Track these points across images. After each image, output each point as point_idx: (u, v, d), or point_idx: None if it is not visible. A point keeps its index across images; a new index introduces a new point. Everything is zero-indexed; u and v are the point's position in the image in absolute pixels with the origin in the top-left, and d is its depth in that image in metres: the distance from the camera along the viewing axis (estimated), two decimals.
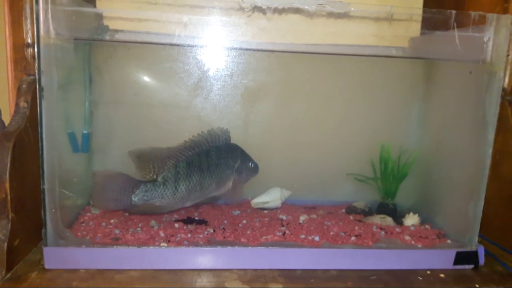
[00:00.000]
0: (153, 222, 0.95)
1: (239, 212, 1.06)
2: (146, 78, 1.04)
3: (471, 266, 0.90)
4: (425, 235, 0.97)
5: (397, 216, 1.07)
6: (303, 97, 1.12)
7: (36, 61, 0.75)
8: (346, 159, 1.15)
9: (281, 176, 1.15)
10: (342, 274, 0.85)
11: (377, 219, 1.03)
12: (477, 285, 0.84)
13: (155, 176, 0.90)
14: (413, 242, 0.93)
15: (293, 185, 1.12)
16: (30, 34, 0.87)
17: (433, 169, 1.07)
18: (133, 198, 0.88)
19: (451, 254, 0.89)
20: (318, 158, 1.16)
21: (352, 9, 0.77)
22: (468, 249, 0.90)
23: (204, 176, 0.93)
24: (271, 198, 1.10)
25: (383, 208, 1.09)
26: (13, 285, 0.76)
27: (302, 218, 1.03)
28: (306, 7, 0.77)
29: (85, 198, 1.04)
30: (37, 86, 0.76)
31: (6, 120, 0.92)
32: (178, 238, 0.88)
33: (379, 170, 1.10)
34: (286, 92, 1.11)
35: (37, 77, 0.76)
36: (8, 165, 0.79)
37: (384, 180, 1.10)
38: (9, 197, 0.79)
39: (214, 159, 0.93)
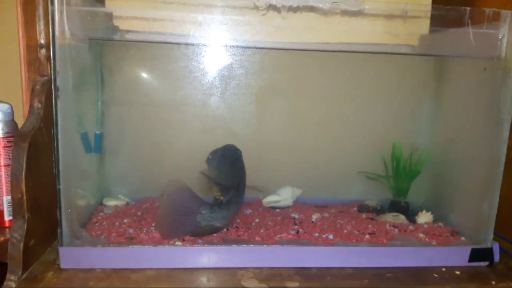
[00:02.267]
0: None
1: (251, 211, 1.06)
2: (157, 78, 1.04)
3: (486, 263, 0.90)
4: (438, 232, 0.97)
5: (409, 214, 1.07)
6: (314, 95, 1.12)
7: (52, 61, 0.75)
8: (357, 157, 1.15)
9: (292, 174, 1.15)
10: (357, 272, 0.85)
11: (390, 217, 1.03)
12: (493, 282, 0.83)
13: (221, 198, 0.90)
14: (427, 239, 0.93)
15: (303, 184, 1.12)
16: (43, 35, 0.87)
17: (446, 166, 1.07)
18: (198, 219, 0.87)
19: (466, 251, 0.89)
20: (328, 156, 1.16)
21: (367, 6, 0.77)
22: (483, 246, 0.90)
23: (243, 189, 0.94)
24: (283, 197, 1.10)
25: (395, 206, 1.09)
26: (30, 285, 0.76)
27: (314, 216, 1.03)
28: (321, 5, 0.77)
29: (97, 198, 1.04)
30: (53, 87, 0.76)
31: (19, 120, 0.93)
32: (192, 237, 0.88)
33: (390, 168, 1.10)
34: (297, 91, 1.11)
35: (52, 77, 0.76)
36: (24, 165, 0.79)
37: (396, 178, 1.09)
38: (24, 197, 0.79)
39: (243, 169, 0.95)
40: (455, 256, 0.89)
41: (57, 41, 0.75)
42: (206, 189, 0.92)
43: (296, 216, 1.03)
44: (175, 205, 0.86)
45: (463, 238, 0.95)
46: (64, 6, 0.75)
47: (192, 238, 0.87)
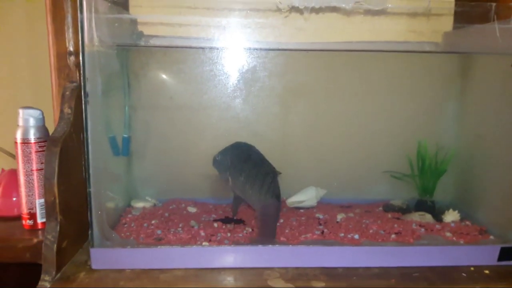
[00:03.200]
0: (193, 222, 0.96)
1: None
2: (182, 82, 1.06)
3: None
4: (466, 231, 0.96)
5: (436, 213, 1.06)
6: (338, 95, 1.12)
7: (81, 68, 0.77)
8: (381, 157, 1.14)
9: (316, 175, 1.15)
10: (384, 272, 0.85)
11: (416, 217, 1.02)
12: None
13: None
14: (454, 238, 0.92)
15: (327, 184, 1.12)
16: (72, 42, 0.90)
17: (473, 164, 1.05)
18: None
19: (495, 250, 0.87)
20: (352, 156, 1.15)
21: (389, 5, 0.77)
22: None
23: None
24: (307, 197, 1.10)
25: (421, 205, 1.08)
26: (64, 285, 0.78)
27: (339, 216, 1.03)
28: (343, 5, 0.77)
29: (126, 200, 1.07)
30: (82, 93, 0.78)
31: (50, 126, 0.95)
32: (219, 238, 0.90)
33: (416, 167, 1.09)
34: (320, 91, 1.11)
35: (82, 83, 0.78)
36: (56, 169, 0.82)
37: (421, 177, 1.09)
38: (57, 201, 0.82)
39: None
40: (484, 255, 0.88)
41: (86, 48, 0.77)
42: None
43: (321, 216, 1.03)
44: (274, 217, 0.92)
45: (491, 237, 0.93)
46: (93, 14, 0.77)
47: (218, 238, 0.89)
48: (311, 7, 0.78)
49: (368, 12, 0.85)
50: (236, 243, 0.87)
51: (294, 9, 0.80)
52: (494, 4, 0.83)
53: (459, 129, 1.12)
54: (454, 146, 1.08)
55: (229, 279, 0.81)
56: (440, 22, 1.02)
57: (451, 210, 1.03)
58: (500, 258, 0.88)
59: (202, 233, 0.91)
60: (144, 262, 0.84)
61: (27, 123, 0.93)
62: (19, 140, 0.93)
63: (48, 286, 0.79)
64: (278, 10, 0.80)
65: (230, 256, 0.85)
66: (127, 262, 0.84)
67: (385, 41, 0.96)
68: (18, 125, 0.93)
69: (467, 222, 1.01)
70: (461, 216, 1.02)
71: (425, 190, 1.09)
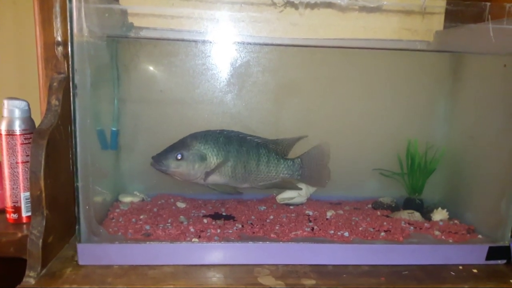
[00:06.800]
0: (182, 218, 0.95)
1: (265, 207, 1.06)
2: (172, 75, 1.04)
3: (504, 261, 0.90)
4: (454, 230, 0.96)
5: (424, 211, 1.06)
6: (328, 93, 1.12)
7: (70, 59, 0.75)
8: (371, 154, 1.14)
9: None
10: (374, 270, 0.85)
11: (405, 215, 1.02)
12: (511, 280, 0.83)
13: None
14: (443, 237, 0.93)
15: None
16: (60, 32, 0.87)
17: (462, 164, 1.06)
18: None
19: (483, 249, 0.88)
20: (342, 153, 1.15)
21: (385, 2, 0.77)
22: (501, 244, 0.89)
23: None
24: (297, 193, 1.10)
25: (410, 203, 1.09)
26: (49, 281, 0.77)
27: (329, 213, 1.03)
28: (339, 1, 0.77)
29: (113, 194, 1.05)
30: (71, 84, 0.76)
31: (36, 118, 0.93)
32: (208, 234, 0.89)
33: (405, 165, 1.09)
34: (311, 88, 1.11)
35: (70, 75, 0.76)
36: (43, 162, 0.80)
37: (411, 175, 1.09)
38: (43, 195, 0.80)
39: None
40: (472, 254, 0.89)
41: (75, 38, 0.75)
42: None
43: (311, 213, 1.03)
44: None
45: (480, 236, 0.94)
46: (82, 3, 0.75)
47: (208, 234, 0.88)
48: (306, 2, 0.77)
49: (363, 9, 0.84)
50: (226, 239, 0.87)
51: (289, 4, 0.79)
52: (488, 4, 0.83)
53: (449, 128, 1.13)
54: (444, 145, 1.08)
55: (219, 276, 0.81)
56: (433, 20, 1.02)
57: (439, 209, 1.03)
58: (488, 257, 0.89)
59: (192, 229, 0.90)
60: (132, 258, 0.82)
61: (12, 114, 0.91)
62: (3, 132, 0.91)
63: (33, 282, 0.77)
64: (273, 4, 0.79)
65: (220, 253, 0.84)
66: (115, 258, 0.82)
67: (379, 39, 0.95)
68: (2, 116, 0.91)
69: (456, 221, 1.01)
70: (449, 215, 1.03)
71: (414, 188, 1.10)
